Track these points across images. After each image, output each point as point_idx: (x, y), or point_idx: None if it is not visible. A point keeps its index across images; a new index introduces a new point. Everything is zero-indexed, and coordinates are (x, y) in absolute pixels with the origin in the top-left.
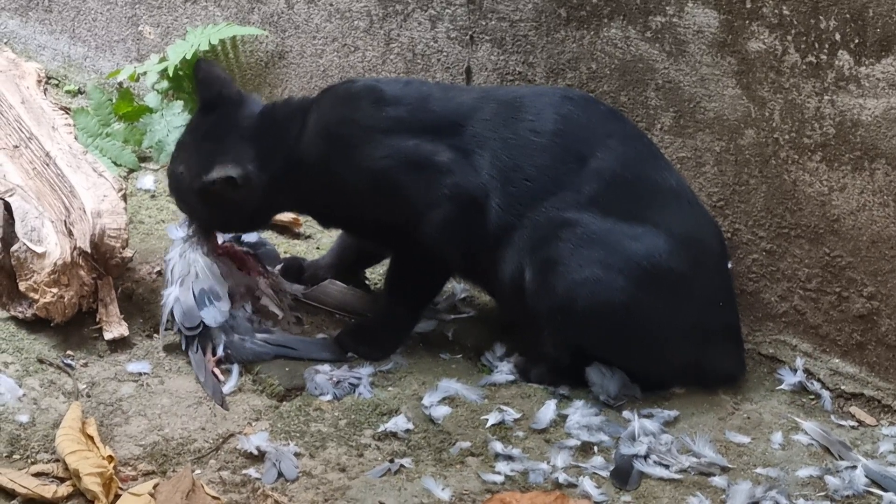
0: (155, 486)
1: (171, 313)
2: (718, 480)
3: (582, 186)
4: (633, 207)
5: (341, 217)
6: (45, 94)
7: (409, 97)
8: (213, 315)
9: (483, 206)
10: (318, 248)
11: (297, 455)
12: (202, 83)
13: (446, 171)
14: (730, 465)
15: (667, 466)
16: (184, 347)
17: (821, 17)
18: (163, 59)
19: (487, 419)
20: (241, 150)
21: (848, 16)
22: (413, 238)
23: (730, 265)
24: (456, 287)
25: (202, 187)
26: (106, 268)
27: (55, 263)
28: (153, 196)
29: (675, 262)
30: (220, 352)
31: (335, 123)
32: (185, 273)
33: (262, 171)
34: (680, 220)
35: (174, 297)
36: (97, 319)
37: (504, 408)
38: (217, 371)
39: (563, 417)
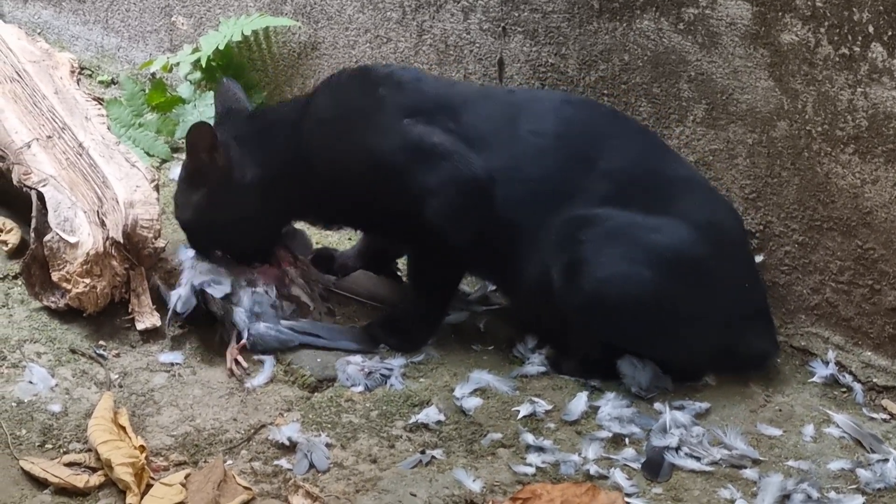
0: (186, 477)
1: (174, 310)
2: (750, 473)
3: (593, 187)
4: (649, 201)
5: (349, 212)
6: (78, 84)
7: (403, 77)
8: (216, 291)
9: (487, 192)
10: (350, 238)
11: (328, 446)
12: (217, 97)
13: (445, 154)
14: (761, 458)
15: (698, 458)
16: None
17: (854, 10)
18: (196, 50)
19: (519, 410)
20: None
21: (881, 8)
22: (418, 228)
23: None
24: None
25: (192, 157)
26: (138, 258)
27: (88, 254)
28: None
29: (698, 250)
30: (245, 338)
31: (330, 108)
32: (190, 276)
33: (253, 166)
34: (697, 208)
35: (177, 295)
36: (129, 310)
37: (535, 399)
38: (241, 358)
39: (595, 409)
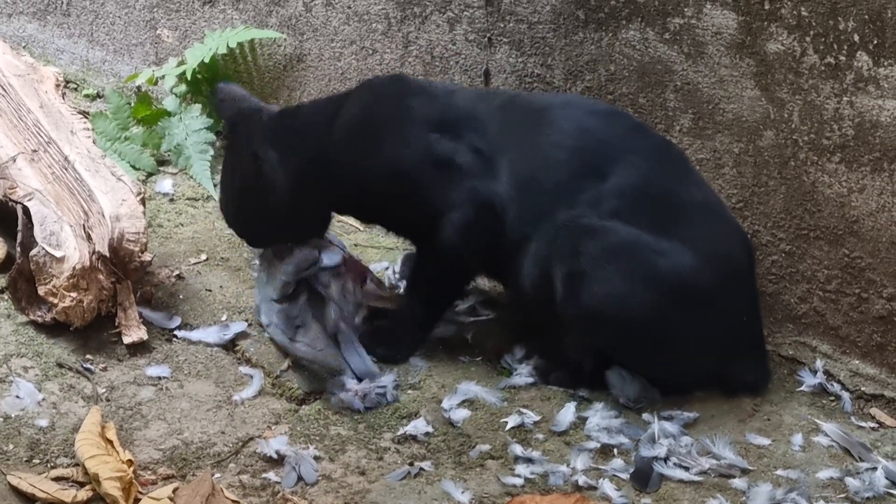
0: (175, 491)
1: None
2: (738, 482)
3: (602, 202)
4: (657, 222)
5: (371, 212)
6: (63, 98)
7: (435, 90)
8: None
9: (501, 212)
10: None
11: (316, 458)
12: (221, 104)
13: (466, 172)
14: (750, 467)
15: (687, 468)
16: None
17: (839, 19)
18: (181, 63)
19: (507, 422)
20: (263, 146)
21: (867, 17)
22: (434, 239)
23: None
24: (475, 290)
25: (243, 175)
26: (125, 272)
27: (74, 268)
28: (172, 199)
29: (700, 277)
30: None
31: (359, 114)
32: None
33: (283, 166)
34: (707, 236)
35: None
36: (116, 323)
37: (524, 410)
38: None
39: (583, 420)
